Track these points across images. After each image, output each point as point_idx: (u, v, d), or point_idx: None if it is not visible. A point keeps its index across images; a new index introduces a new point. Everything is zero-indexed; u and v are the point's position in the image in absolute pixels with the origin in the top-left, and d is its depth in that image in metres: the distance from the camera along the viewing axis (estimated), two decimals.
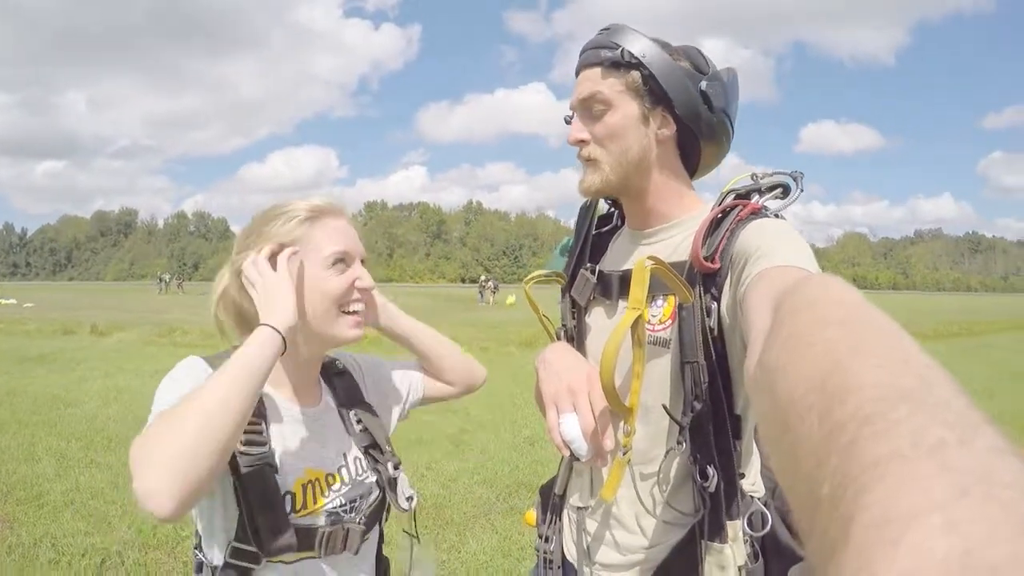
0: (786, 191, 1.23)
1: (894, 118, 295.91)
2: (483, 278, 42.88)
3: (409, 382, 1.53)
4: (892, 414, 0.32)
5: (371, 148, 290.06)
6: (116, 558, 3.71)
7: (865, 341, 0.41)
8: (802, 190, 1.22)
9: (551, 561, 1.40)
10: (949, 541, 0.24)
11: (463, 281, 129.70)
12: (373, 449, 1.35)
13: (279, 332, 1.09)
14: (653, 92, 1.21)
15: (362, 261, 1.28)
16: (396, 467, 1.35)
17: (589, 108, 1.25)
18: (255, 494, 1.10)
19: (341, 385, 1.40)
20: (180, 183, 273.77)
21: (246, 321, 1.25)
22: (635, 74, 1.20)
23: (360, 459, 1.33)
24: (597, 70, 1.23)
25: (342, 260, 1.24)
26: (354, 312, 1.26)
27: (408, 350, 1.53)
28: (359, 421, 1.36)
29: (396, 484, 1.34)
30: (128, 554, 3.75)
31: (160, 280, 51.47)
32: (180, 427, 0.92)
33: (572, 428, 1.10)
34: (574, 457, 1.13)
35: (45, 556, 3.71)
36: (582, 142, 1.26)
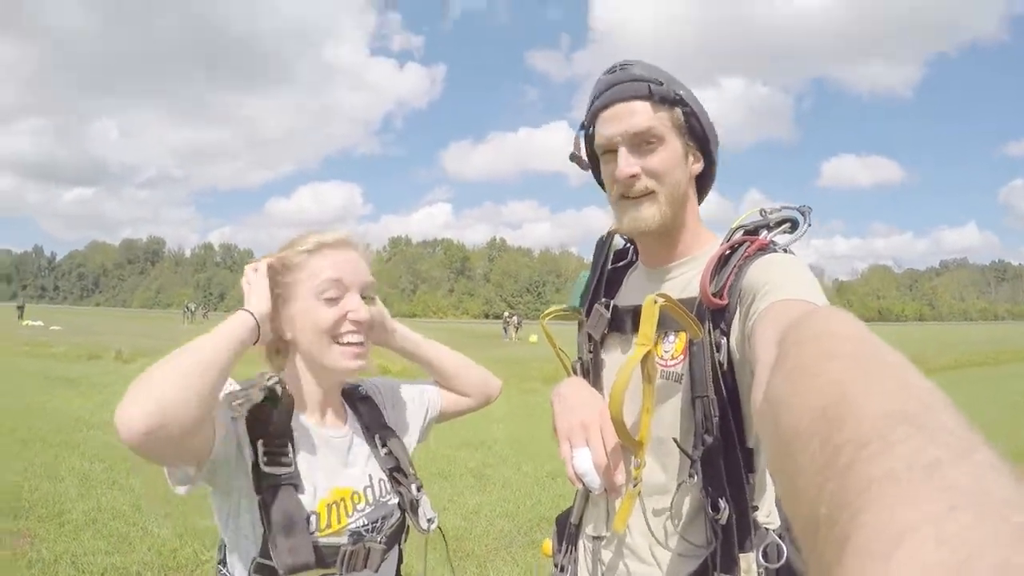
0: (794, 226, 1.24)
1: (915, 150, 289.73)
2: (507, 314, 42.68)
3: (427, 401, 1.57)
4: (891, 436, 0.33)
5: (396, 185, 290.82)
6: None
7: (869, 373, 0.42)
8: (809, 224, 1.23)
9: None
10: (941, 553, 0.24)
11: (486, 317, 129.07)
12: (397, 472, 1.39)
13: (252, 315, 1.20)
14: (692, 130, 1.25)
15: (369, 295, 1.33)
16: (419, 489, 1.38)
17: (642, 143, 1.23)
18: (277, 513, 1.14)
19: (365, 410, 1.44)
20: (206, 215, 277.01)
21: (275, 348, 1.34)
22: (678, 111, 1.23)
23: (384, 481, 1.36)
24: (647, 104, 1.22)
25: (334, 289, 1.27)
26: (349, 344, 1.29)
27: (424, 368, 1.58)
28: (384, 444, 1.40)
29: (418, 506, 1.37)
30: (147, 575, 3.77)
31: (186, 309, 51.95)
32: (165, 369, 1.02)
33: (584, 462, 1.12)
34: (588, 489, 1.15)
35: (65, 573, 3.75)
36: (634, 177, 1.24)
